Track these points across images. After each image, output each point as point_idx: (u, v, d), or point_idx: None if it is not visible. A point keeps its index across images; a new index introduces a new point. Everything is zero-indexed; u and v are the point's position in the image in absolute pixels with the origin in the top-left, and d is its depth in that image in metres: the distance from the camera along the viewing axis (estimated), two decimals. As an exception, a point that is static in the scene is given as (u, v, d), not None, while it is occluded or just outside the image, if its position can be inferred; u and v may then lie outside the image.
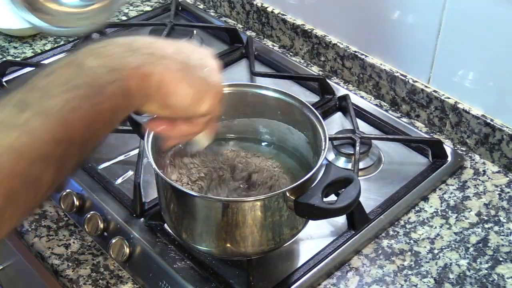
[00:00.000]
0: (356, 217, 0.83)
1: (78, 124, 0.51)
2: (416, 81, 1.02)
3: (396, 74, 1.04)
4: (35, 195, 0.50)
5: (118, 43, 0.56)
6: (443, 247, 0.83)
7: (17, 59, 1.17)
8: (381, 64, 1.06)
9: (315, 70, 1.15)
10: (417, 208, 0.89)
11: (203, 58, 0.62)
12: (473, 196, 0.90)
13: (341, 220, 0.84)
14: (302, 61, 1.18)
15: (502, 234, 0.85)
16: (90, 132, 0.53)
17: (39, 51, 1.19)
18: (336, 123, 1.02)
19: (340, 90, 1.07)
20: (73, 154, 0.52)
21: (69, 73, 0.51)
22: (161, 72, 0.56)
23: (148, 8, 1.32)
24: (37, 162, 0.49)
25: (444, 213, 0.88)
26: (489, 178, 0.93)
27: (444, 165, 0.93)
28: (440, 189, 0.92)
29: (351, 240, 0.82)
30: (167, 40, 0.61)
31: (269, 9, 1.21)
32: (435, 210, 0.88)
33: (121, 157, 0.94)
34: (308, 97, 1.06)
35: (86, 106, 0.51)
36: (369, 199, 0.87)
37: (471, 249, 0.83)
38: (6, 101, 0.50)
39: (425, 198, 0.90)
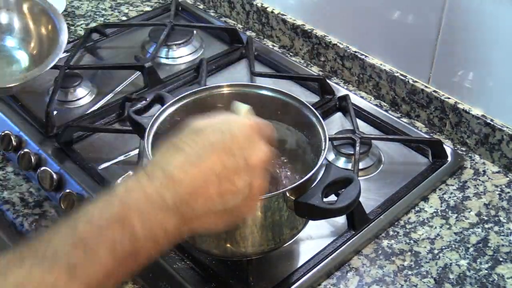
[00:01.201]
0: (356, 217, 0.83)
1: (108, 285, 0.51)
2: (416, 81, 1.02)
3: (396, 74, 1.04)
4: None
5: (160, 201, 0.53)
6: (443, 247, 0.83)
7: (17, 59, 1.17)
8: (381, 64, 1.06)
9: (315, 70, 1.15)
10: (417, 208, 0.89)
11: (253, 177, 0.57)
12: (473, 196, 0.90)
13: (341, 220, 0.84)
14: (302, 61, 1.18)
15: (502, 234, 0.85)
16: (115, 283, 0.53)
17: (39, 51, 1.19)
18: (336, 123, 1.02)
19: (340, 90, 1.07)
20: None
21: (113, 238, 0.51)
22: (195, 227, 0.56)
23: (148, 8, 1.32)
24: None
25: (444, 213, 0.88)
26: (489, 178, 0.93)
27: (444, 165, 0.93)
28: (440, 189, 0.91)
29: (351, 240, 0.82)
30: (214, 162, 0.55)
31: (269, 9, 1.21)
32: (435, 210, 0.88)
33: (121, 157, 0.94)
34: (308, 97, 1.06)
35: (122, 270, 0.52)
36: (369, 199, 0.87)
37: (471, 249, 0.83)
38: (54, 258, 0.49)
39: (425, 198, 0.90)
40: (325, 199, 0.68)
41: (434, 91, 1.00)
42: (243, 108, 0.63)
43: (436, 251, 0.82)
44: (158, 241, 0.53)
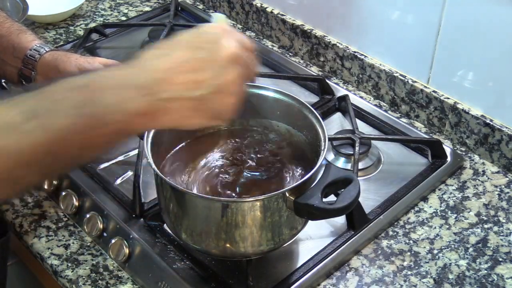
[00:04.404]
0: (356, 218, 0.83)
1: (76, 144, 0.54)
2: (416, 81, 1.02)
3: (396, 74, 1.04)
4: (9, 193, 0.55)
5: (132, 79, 0.56)
6: (443, 248, 0.83)
7: (16, 59, 1.17)
8: (380, 64, 1.06)
9: (314, 70, 1.15)
10: (416, 209, 0.89)
11: (225, 66, 0.59)
12: (473, 196, 0.90)
13: (341, 220, 0.84)
14: (301, 61, 1.18)
15: (501, 234, 0.85)
16: (86, 151, 0.56)
17: (39, 51, 1.19)
18: (336, 123, 1.02)
19: (340, 90, 1.07)
20: (63, 165, 0.57)
21: (82, 99, 0.55)
22: (170, 116, 0.58)
23: (148, 8, 1.32)
24: (24, 167, 0.52)
25: (444, 214, 0.88)
26: (488, 178, 0.93)
27: (444, 165, 0.93)
28: (439, 190, 0.92)
29: (350, 241, 0.82)
30: (185, 54, 0.58)
31: (269, 10, 1.21)
32: (435, 210, 0.88)
33: (121, 158, 0.94)
34: (308, 98, 1.06)
35: (89, 132, 0.55)
36: (369, 199, 0.87)
37: (471, 249, 0.83)
38: (17, 103, 0.54)
39: (425, 199, 0.90)
40: (324, 199, 0.68)
41: (434, 91, 1.00)
42: (219, 17, 0.68)
43: (435, 251, 0.82)
44: (125, 114, 0.55)
